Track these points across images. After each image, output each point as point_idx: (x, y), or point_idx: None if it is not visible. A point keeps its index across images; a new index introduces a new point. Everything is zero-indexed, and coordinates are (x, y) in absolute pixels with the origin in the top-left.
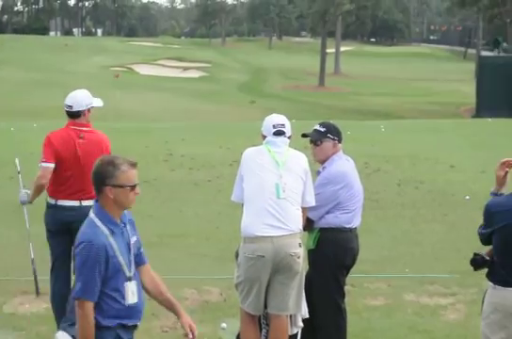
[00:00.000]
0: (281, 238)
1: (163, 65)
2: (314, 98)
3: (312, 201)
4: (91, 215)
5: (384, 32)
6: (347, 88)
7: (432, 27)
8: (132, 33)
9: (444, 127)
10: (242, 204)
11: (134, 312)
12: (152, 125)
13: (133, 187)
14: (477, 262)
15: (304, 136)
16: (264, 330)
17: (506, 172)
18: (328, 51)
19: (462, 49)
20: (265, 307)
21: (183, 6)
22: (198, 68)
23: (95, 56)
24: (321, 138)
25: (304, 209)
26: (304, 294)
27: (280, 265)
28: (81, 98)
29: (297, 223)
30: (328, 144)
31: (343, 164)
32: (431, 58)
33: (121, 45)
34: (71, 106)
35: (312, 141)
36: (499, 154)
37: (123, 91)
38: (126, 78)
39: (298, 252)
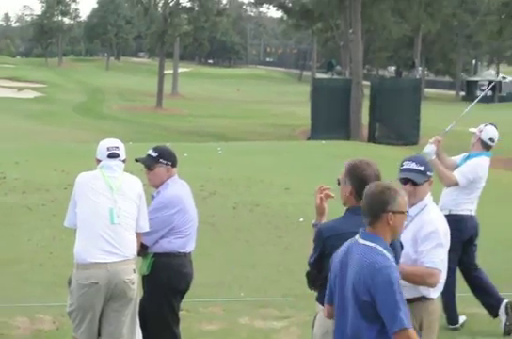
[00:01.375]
0: (116, 264)
1: None
2: (152, 119)
3: (145, 227)
4: None
5: (222, 54)
6: (185, 110)
7: (268, 50)
8: None
9: (280, 149)
10: (76, 230)
11: None
12: None
13: None
14: (312, 275)
15: (137, 161)
16: None
17: (321, 199)
18: (165, 72)
19: (298, 71)
20: (99, 335)
21: (18, 24)
22: (33, 88)
23: None
24: (153, 164)
25: (138, 234)
26: (138, 320)
27: (115, 291)
28: None
29: (132, 249)
30: (160, 169)
31: (177, 188)
32: (267, 80)
33: None
34: None
35: (145, 166)
36: (332, 177)
37: None
38: None
39: (133, 279)
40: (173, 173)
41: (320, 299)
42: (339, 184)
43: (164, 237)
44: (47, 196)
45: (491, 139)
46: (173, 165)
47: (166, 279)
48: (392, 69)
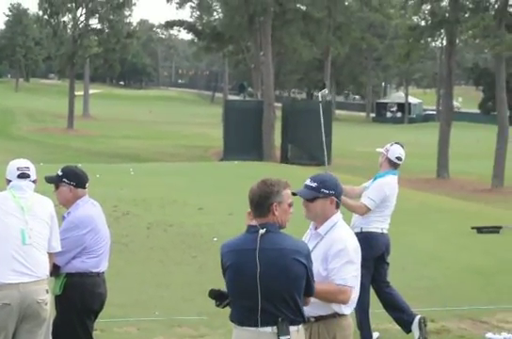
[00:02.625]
0: (28, 285)
1: None
2: (63, 141)
3: (57, 247)
4: None
5: (133, 75)
6: (96, 131)
7: (180, 71)
8: None
9: (192, 170)
10: None
11: None
12: None
13: None
14: (214, 294)
15: (46, 179)
16: None
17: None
18: (76, 93)
19: (210, 93)
20: None
21: None
22: None
23: None
24: (57, 182)
25: (51, 254)
26: None
27: (27, 312)
28: None
29: (44, 269)
30: (64, 189)
31: (88, 208)
32: (179, 102)
33: None
34: None
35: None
36: (245, 197)
37: None
38: None
39: (46, 299)
40: (81, 194)
41: (232, 318)
42: None
43: (76, 257)
44: None
45: (398, 158)
46: (77, 185)
47: (78, 299)
48: (303, 94)
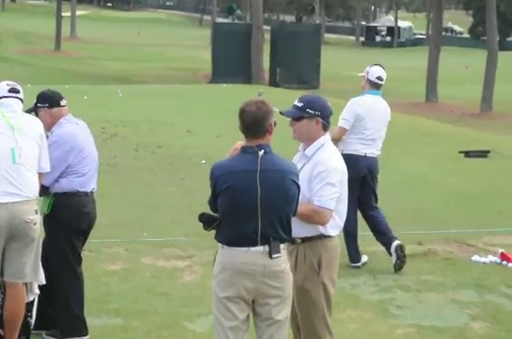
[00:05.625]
0: (17, 205)
1: None
2: (51, 62)
3: (47, 167)
4: None
5: None
6: (84, 53)
7: None
8: None
9: (181, 92)
10: None
11: None
12: None
13: None
14: (205, 217)
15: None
16: None
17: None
18: (63, 14)
19: (198, 15)
20: (1, 275)
21: None
22: None
23: None
24: (35, 110)
25: (40, 175)
26: (40, 260)
27: (16, 231)
28: None
29: (34, 190)
30: (41, 113)
31: (70, 126)
32: (167, 24)
33: None
34: None
35: None
36: (233, 120)
37: None
38: None
39: (34, 219)
40: (60, 113)
41: (218, 238)
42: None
43: (62, 177)
44: None
45: (379, 77)
46: (51, 105)
47: (66, 218)
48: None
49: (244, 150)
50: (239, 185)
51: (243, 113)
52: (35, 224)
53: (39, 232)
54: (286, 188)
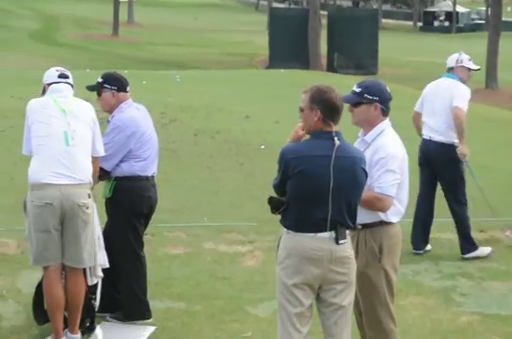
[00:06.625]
0: (69, 187)
1: None
2: (108, 47)
3: (101, 151)
4: None
5: None
6: (142, 38)
7: None
8: None
9: (239, 77)
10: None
11: None
12: None
13: None
14: (273, 202)
15: (88, 88)
16: (62, 281)
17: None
18: (120, 0)
19: (254, 0)
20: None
21: None
22: None
23: None
24: (99, 89)
25: (95, 159)
26: (103, 244)
27: (68, 214)
28: None
29: (87, 174)
30: (106, 94)
31: (132, 111)
32: (223, 9)
33: None
34: None
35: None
36: (291, 105)
37: None
38: None
39: (87, 203)
40: (124, 98)
41: (284, 222)
42: (302, 111)
43: (123, 161)
44: (6, 122)
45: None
46: (119, 89)
47: (127, 202)
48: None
49: (318, 135)
50: (312, 170)
51: (330, 99)
52: (87, 208)
53: (92, 216)
54: (357, 176)
